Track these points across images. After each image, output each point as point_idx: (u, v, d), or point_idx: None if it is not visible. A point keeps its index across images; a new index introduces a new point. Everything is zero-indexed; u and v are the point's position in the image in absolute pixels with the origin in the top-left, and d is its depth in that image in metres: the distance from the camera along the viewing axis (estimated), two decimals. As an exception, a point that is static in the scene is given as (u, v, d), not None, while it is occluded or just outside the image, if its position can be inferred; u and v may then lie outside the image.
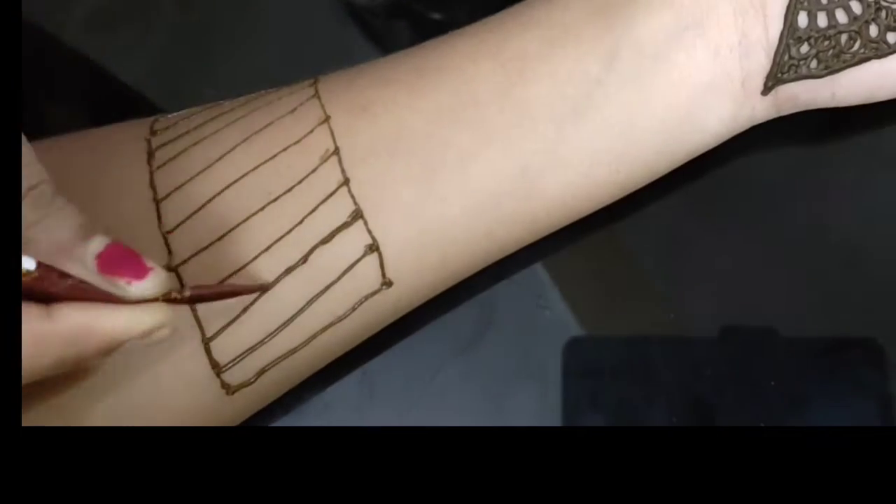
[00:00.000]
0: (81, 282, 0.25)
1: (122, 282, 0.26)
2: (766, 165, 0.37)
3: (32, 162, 0.26)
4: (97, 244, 0.26)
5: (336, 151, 0.31)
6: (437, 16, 0.40)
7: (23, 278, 0.24)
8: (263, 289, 0.30)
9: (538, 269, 0.36)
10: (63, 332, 0.25)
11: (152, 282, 0.26)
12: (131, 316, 0.26)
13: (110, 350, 0.26)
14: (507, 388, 0.35)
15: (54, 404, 0.29)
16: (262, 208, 0.31)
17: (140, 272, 0.26)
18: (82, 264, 0.26)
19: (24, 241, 0.25)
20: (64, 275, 0.25)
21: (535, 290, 0.36)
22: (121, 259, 0.26)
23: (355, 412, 0.35)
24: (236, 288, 0.30)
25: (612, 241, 0.36)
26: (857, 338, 0.35)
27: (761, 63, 0.32)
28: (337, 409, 0.35)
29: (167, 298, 0.27)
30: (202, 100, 0.34)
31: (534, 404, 0.35)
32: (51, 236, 0.26)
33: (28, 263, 0.24)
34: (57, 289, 0.25)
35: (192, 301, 0.29)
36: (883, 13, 0.32)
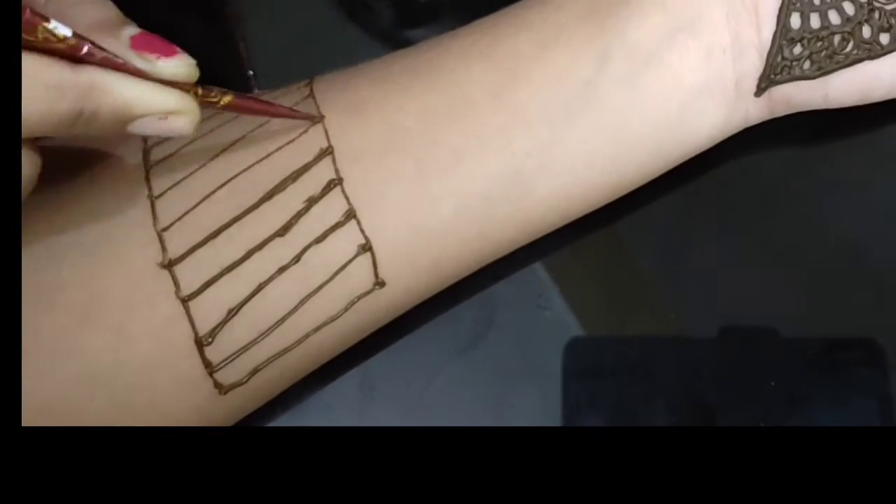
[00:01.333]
0: (115, 56, 0.27)
1: (151, 56, 0.27)
2: (766, 165, 0.37)
3: None
4: (133, 28, 0.27)
5: (330, 151, 0.31)
6: None
7: (58, 45, 0.25)
8: (313, 119, 0.31)
9: (538, 270, 0.36)
10: (82, 82, 0.26)
11: (181, 61, 0.28)
12: (150, 89, 0.27)
13: (123, 118, 0.27)
14: (508, 388, 0.35)
15: (49, 402, 0.29)
16: (256, 207, 0.31)
17: (170, 52, 0.27)
18: (117, 40, 0.27)
19: (62, 17, 0.26)
20: (98, 46, 0.26)
21: (535, 290, 0.36)
22: (153, 41, 0.27)
23: (355, 412, 0.35)
24: (285, 111, 0.31)
25: (612, 241, 0.37)
26: (856, 338, 0.35)
27: (754, 64, 0.32)
28: (337, 408, 0.35)
29: (205, 98, 0.28)
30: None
31: (534, 404, 0.35)
32: (88, 17, 0.27)
33: (64, 30, 0.25)
34: (90, 59, 0.26)
35: (229, 108, 0.29)
36: (876, 14, 0.32)
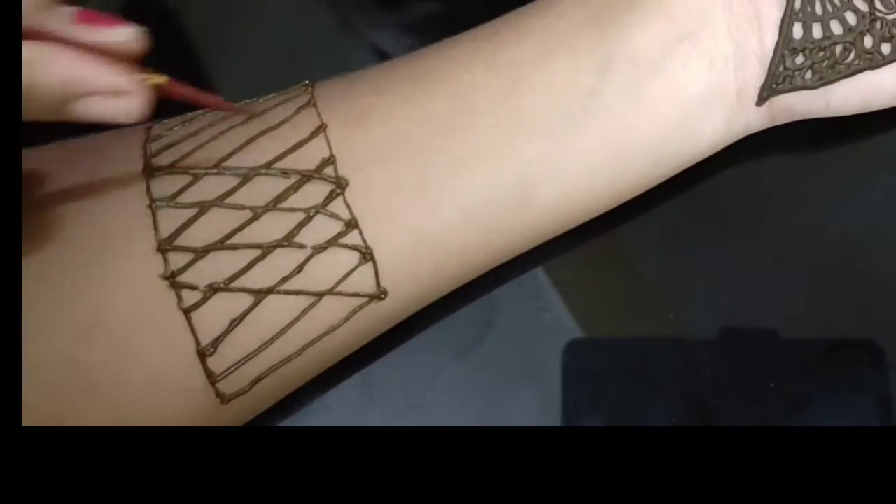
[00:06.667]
0: (54, 31, 0.26)
1: (98, 28, 0.26)
2: (766, 167, 0.37)
3: None
4: (74, 7, 0.26)
5: (332, 160, 0.31)
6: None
7: None
8: (236, 110, 0.31)
9: (538, 272, 0.36)
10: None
11: (128, 29, 0.27)
12: (93, 64, 0.26)
13: (63, 95, 0.26)
14: (508, 391, 0.35)
15: (51, 415, 0.30)
16: (258, 217, 0.30)
17: (116, 23, 0.27)
18: (59, 17, 0.26)
19: None
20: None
21: (534, 292, 0.36)
22: (97, 15, 0.27)
23: (355, 415, 0.35)
24: (218, 101, 0.30)
25: (612, 243, 0.37)
26: (856, 339, 0.35)
27: (756, 74, 0.32)
28: (337, 411, 0.35)
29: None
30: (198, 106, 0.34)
31: (534, 406, 0.35)
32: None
33: None
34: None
35: (161, 92, 0.28)
36: (878, 24, 0.32)
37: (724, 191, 0.36)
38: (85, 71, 0.26)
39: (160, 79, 0.28)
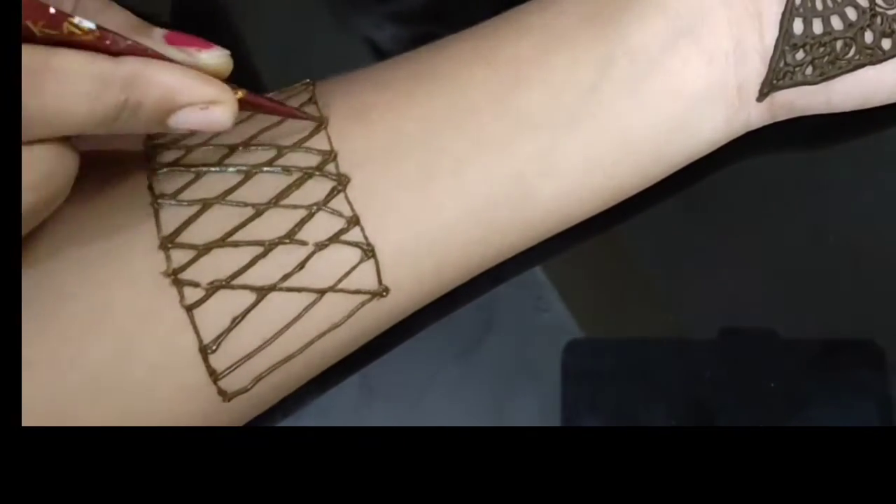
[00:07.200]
0: (141, 44, 0.27)
1: (191, 49, 0.28)
2: (765, 166, 0.37)
3: None
4: (162, 30, 0.28)
5: (333, 156, 0.31)
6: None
7: (83, 37, 0.26)
8: (319, 120, 0.31)
9: (537, 271, 0.36)
10: (125, 71, 0.27)
11: (220, 52, 0.28)
12: (192, 76, 0.28)
13: (167, 108, 0.27)
14: (507, 391, 0.35)
15: (53, 411, 0.29)
16: (260, 214, 0.30)
17: (207, 45, 0.28)
18: (150, 39, 0.28)
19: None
20: (122, 37, 0.27)
21: (533, 292, 0.36)
22: (187, 37, 0.28)
23: (355, 414, 0.35)
24: (293, 111, 0.31)
25: (611, 242, 0.37)
26: (856, 339, 0.35)
27: (756, 70, 0.32)
28: (336, 411, 0.35)
29: None
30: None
31: (533, 407, 0.35)
32: (114, 22, 0.28)
33: (88, 24, 0.26)
34: (118, 48, 0.27)
35: (242, 104, 0.29)
36: (878, 19, 0.32)
37: (724, 191, 0.36)
38: (188, 84, 0.27)
39: (242, 92, 0.29)
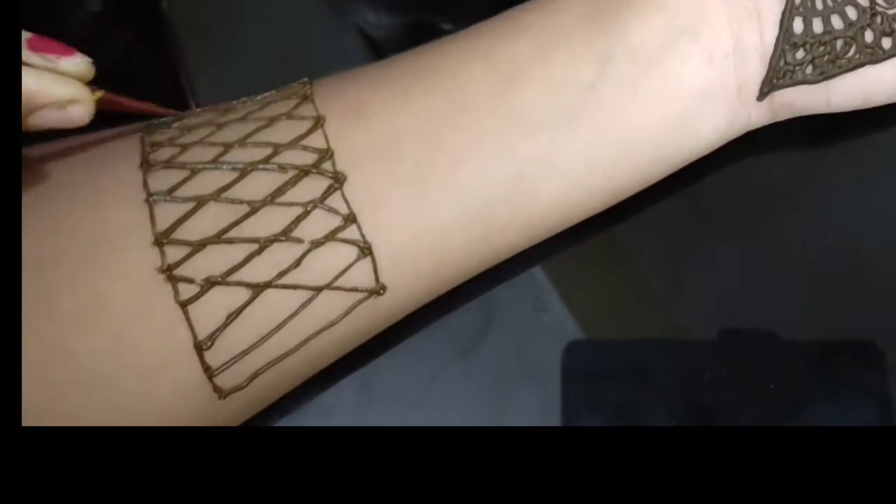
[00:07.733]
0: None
1: (51, 56, 0.29)
2: (765, 167, 0.37)
3: None
4: (26, 32, 0.29)
5: (330, 154, 0.31)
6: (449, 27, 0.40)
7: None
8: (167, 113, 0.32)
9: (537, 272, 0.36)
10: None
11: (81, 59, 0.29)
12: (50, 79, 0.29)
13: (26, 109, 0.28)
14: (507, 391, 0.35)
15: (46, 407, 0.29)
16: (256, 210, 0.30)
17: (68, 52, 0.29)
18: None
19: None
20: None
21: (533, 292, 0.36)
22: (50, 42, 0.29)
23: (354, 415, 0.35)
24: (152, 107, 0.32)
25: (611, 243, 0.37)
26: (856, 340, 0.35)
27: (756, 69, 0.32)
28: (336, 411, 0.35)
29: None
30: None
31: (533, 407, 0.35)
32: None
33: None
34: None
35: (101, 103, 0.30)
36: (878, 18, 0.32)
37: (724, 192, 0.36)
38: (45, 86, 0.28)
39: (101, 92, 0.30)
